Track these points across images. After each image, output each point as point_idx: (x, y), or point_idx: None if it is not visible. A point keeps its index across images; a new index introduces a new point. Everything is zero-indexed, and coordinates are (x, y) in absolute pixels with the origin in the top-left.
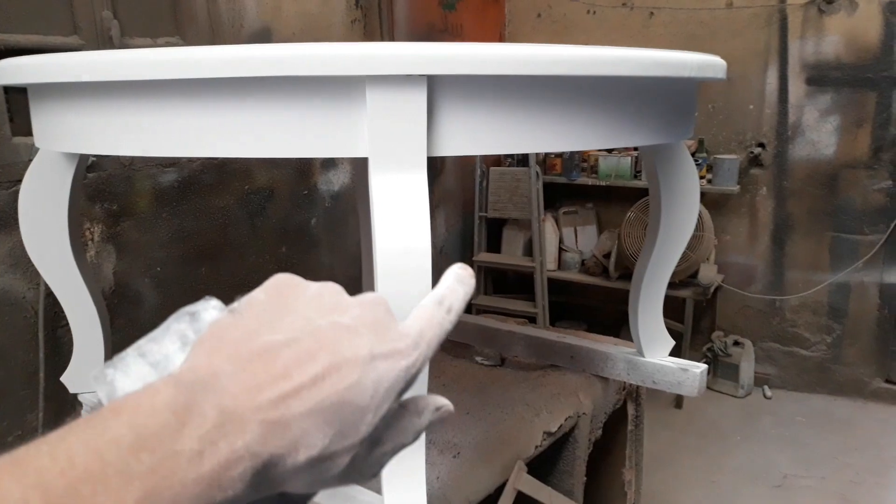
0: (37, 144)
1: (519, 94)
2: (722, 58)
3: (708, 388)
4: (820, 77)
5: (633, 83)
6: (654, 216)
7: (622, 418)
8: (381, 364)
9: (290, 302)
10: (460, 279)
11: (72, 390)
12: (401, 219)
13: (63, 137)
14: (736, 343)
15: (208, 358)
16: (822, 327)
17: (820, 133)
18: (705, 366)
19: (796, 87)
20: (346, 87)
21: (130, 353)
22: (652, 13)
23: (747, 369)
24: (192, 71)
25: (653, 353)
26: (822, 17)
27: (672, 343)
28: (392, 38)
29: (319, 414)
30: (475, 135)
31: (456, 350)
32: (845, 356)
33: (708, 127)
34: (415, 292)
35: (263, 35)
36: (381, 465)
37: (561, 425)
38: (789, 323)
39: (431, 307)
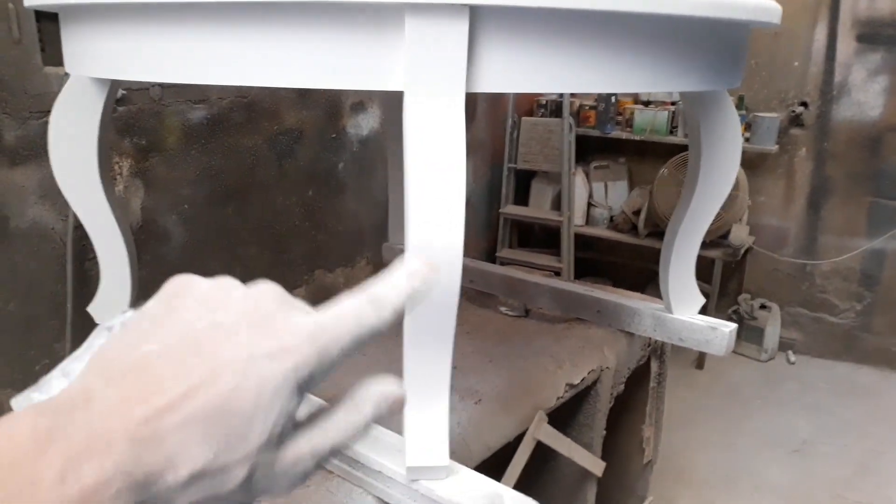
0: (67, 69)
1: (564, 30)
2: None
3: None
4: (872, 34)
5: (686, 24)
6: (693, 169)
7: (645, 375)
8: (264, 364)
9: (175, 307)
10: (412, 274)
11: (98, 321)
12: (436, 148)
13: (93, 62)
14: (763, 306)
15: (84, 379)
16: (853, 294)
17: (867, 93)
18: (735, 325)
19: (845, 45)
20: (383, 15)
21: (55, 374)
22: None
23: (772, 333)
24: None
25: (682, 310)
26: None
27: (702, 301)
28: None
29: (196, 425)
30: (515, 71)
31: (480, 299)
32: (874, 325)
33: (750, 83)
34: (447, 223)
35: None
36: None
37: (584, 378)
38: (818, 288)
39: (355, 299)
